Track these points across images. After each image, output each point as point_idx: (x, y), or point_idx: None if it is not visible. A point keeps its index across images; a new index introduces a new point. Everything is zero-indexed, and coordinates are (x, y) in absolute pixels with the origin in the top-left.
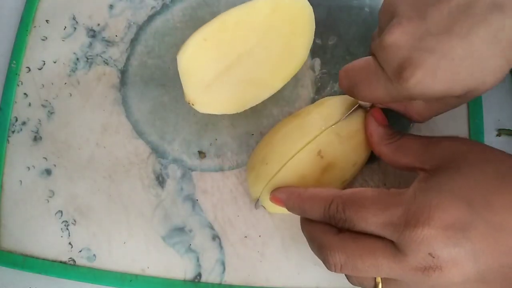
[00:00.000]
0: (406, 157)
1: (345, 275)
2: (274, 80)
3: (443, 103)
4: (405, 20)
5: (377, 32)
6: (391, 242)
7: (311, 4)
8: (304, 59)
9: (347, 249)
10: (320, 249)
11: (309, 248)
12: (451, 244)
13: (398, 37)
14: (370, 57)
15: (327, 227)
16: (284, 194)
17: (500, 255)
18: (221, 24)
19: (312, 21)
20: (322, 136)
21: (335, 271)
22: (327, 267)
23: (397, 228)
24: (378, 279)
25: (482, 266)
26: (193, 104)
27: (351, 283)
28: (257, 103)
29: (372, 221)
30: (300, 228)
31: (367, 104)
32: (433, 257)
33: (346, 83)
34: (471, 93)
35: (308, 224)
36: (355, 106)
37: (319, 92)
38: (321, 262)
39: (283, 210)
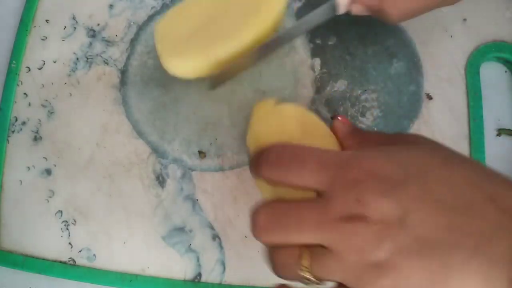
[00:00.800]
0: (366, 145)
1: (271, 266)
2: (246, 31)
3: None
4: None
5: None
6: (318, 196)
7: (311, 5)
8: (279, 11)
9: (274, 208)
10: (250, 216)
11: None
12: (380, 194)
13: None
14: None
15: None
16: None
17: (431, 223)
18: None
19: None
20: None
21: (260, 236)
22: (252, 234)
23: (329, 171)
24: (306, 253)
25: (414, 227)
26: (168, 67)
27: (276, 272)
28: (232, 61)
29: (306, 164)
30: None
31: (345, 1)
32: (360, 202)
33: None
34: None
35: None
36: (331, 2)
37: (319, 91)
38: None
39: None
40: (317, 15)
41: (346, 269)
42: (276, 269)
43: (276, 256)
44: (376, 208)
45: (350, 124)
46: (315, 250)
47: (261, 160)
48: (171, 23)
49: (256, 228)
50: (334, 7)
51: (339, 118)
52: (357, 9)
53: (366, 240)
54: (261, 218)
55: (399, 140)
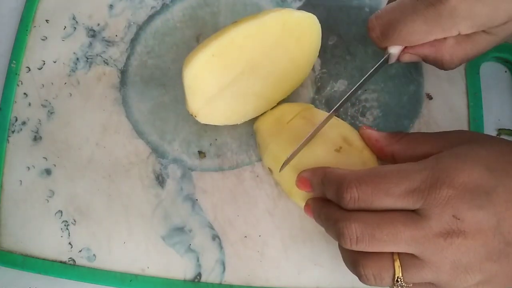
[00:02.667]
0: (421, 147)
1: (359, 274)
2: (276, 94)
3: (474, 42)
4: None
5: None
6: (411, 211)
7: (311, 5)
8: (306, 75)
9: (364, 219)
10: (336, 224)
11: (309, 248)
12: (476, 207)
13: None
14: None
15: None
16: (309, 172)
17: None
18: (231, 40)
19: (319, 38)
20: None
21: (350, 246)
22: (342, 243)
23: (421, 193)
24: (397, 263)
25: (505, 233)
26: (195, 116)
27: (365, 281)
28: (257, 115)
29: (394, 191)
30: (300, 228)
31: (396, 51)
32: (458, 219)
33: (380, 28)
34: (509, 26)
35: (324, 203)
36: (384, 57)
37: (319, 91)
38: (321, 262)
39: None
40: (374, 72)
41: (440, 276)
42: (365, 279)
43: (365, 266)
44: (472, 222)
45: (381, 132)
46: (405, 257)
47: (342, 198)
48: (201, 70)
49: (347, 239)
50: (387, 60)
51: (365, 128)
52: (409, 58)
53: (463, 252)
54: (352, 230)
55: (451, 135)
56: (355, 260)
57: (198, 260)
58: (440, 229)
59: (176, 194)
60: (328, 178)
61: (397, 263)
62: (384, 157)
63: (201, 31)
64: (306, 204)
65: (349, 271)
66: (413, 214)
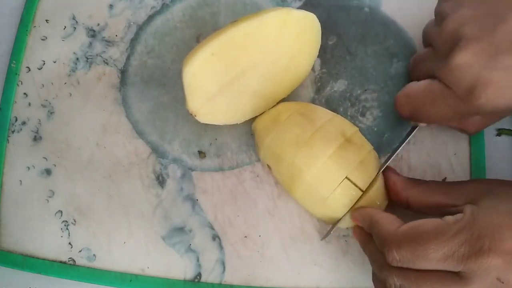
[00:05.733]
0: (435, 196)
1: None
2: (276, 93)
3: (497, 114)
4: (473, 41)
5: (427, 41)
6: (453, 272)
7: (311, 5)
8: (306, 74)
9: (406, 274)
10: (380, 271)
11: (309, 248)
12: None
13: (468, 59)
14: (430, 80)
15: None
16: (358, 215)
17: None
18: (230, 38)
19: (319, 37)
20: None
21: None
22: None
23: (461, 258)
24: None
25: None
26: (195, 115)
27: None
28: (256, 115)
29: (433, 256)
30: (300, 228)
31: (424, 124)
32: (502, 282)
33: (409, 109)
34: None
35: (371, 238)
36: (416, 128)
37: (319, 91)
38: (321, 262)
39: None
40: (406, 137)
41: None
42: None
43: None
44: None
45: (400, 176)
46: None
47: (385, 256)
48: (201, 70)
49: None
50: (414, 128)
51: (390, 171)
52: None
53: None
54: (393, 280)
55: (467, 186)
56: None
57: (198, 260)
58: None
59: (176, 194)
60: (373, 230)
61: None
62: (399, 201)
63: (201, 31)
64: (355, 227)
65: (349, 271)
66: (454, 276)
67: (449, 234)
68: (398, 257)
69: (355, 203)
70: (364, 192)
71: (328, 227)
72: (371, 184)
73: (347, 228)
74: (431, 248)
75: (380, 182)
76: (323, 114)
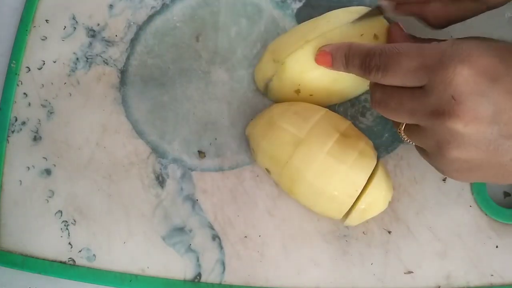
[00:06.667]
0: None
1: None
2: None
3: (460, 6)
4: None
5: None
6: (419, 88)
7: (311, 5)
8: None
9: (384, 89)
10: (371, 95)
11: (309, 248)
12: (477, 93)
13: None
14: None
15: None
16: (333, 46)
17: None
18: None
19: None
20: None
21: (374, 108)
22: (371, 105)
23: (430, 68)
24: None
25: (501, 124)
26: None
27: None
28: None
29: (405, 64)
30: (300, 228)
31: (387, 4)
32: (455, 100)
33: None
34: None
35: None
36: (375, 7)
37: None
38: (320, 262)
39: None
40: (365, 17)
41: (428, 148)
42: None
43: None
44: (469, 107)
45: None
46: (411, 127)
47: (366, 65)
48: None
49: (372, 102)
50: (381, 11)
51: (395, 25)
52: (400, 13)
53: (452, 135)
54: (375, 96)
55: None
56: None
57: (198, 260)
58: (436, 106)
59: (176, 194)
60: (353, 51)
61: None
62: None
63: (201, 31)
64: (322, 51)
65: (348, 271)
66: (419, 90)
67: (424, 48)
68: (379, 62)
69: (359, 194)
70: (368, 180)
71: (333, 225)
72: (373, 172)
73: (347, 227)
74: (409, 56)
75: (382, 170)
76: (315, 110)
